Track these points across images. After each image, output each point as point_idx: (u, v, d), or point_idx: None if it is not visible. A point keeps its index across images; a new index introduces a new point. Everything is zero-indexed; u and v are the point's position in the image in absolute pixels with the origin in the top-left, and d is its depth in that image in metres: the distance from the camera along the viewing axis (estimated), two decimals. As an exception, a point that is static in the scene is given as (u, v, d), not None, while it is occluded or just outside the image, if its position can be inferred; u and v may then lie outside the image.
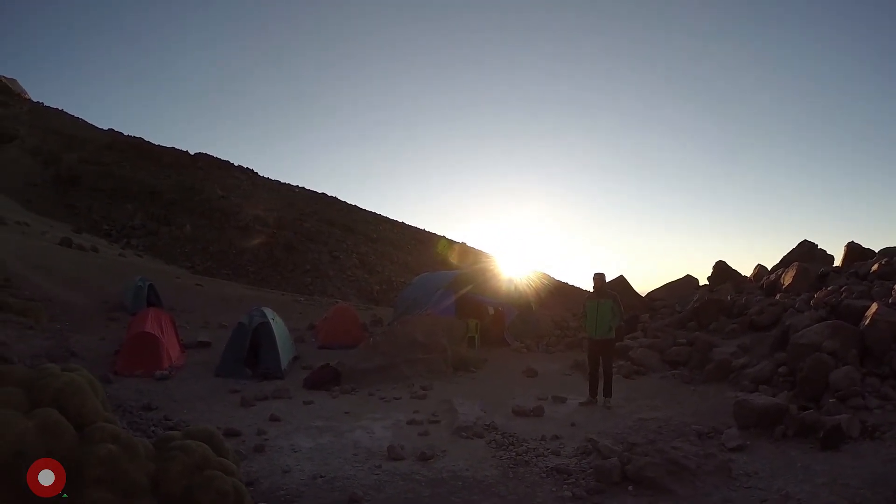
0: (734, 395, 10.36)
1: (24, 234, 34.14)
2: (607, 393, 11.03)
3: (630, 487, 6.89)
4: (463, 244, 60.50)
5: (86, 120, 71.82)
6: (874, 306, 10.72)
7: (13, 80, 79.80)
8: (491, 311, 19.18)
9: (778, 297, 14.64)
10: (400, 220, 63.68)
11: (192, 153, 62.58)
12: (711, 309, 15.57)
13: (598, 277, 11.56)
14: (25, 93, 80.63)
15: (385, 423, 9.75)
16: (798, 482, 6.74)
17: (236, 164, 63.53)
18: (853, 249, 16.32)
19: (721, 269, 19.75)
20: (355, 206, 63.90)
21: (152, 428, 8.72)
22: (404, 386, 12.49)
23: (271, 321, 14.24)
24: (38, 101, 77.62)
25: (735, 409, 9.01)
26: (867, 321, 10.48)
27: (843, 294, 12.30)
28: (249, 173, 63.42)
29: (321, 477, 7.16)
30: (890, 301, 11.04)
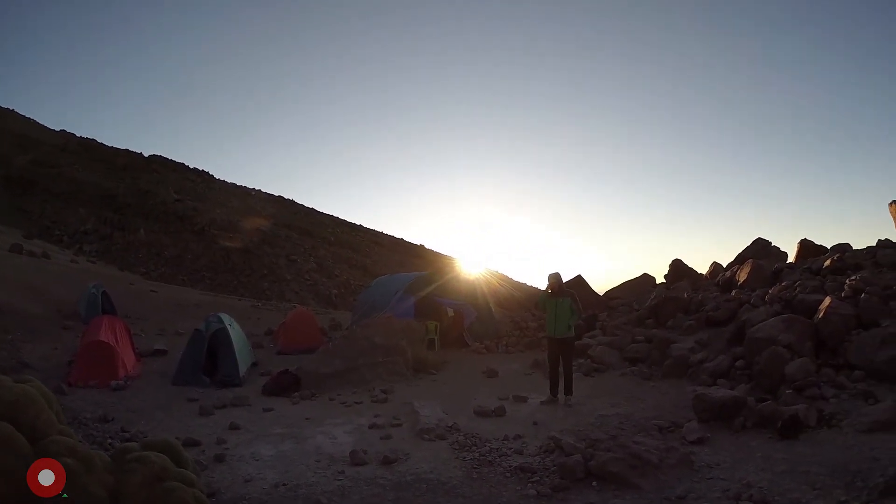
0: (693, 389, 10.52)
1: (-29, 240, 33.11)
2: (568, 391, 11.11)
3: (594, 483, 6.96)
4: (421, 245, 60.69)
5: (37, 121, 69.69)
6: (827, 300, 11.05)
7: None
8: (450, 312, 19.16)
9: (734, 293, 14.92)
10: (358, 223, 63.59)
11: (146, 155, 61.41)
12: (669, 306, 15.82)
13: (554, 277, 11.41)
14: (-26, 92, 77.95)
15: (347, 427, 9.67)
16: (759, 471, 6.87)
17: (191, 167, 62.52)
18: (806, 246, 16.75)
19: (677, 267, 20.12)
20: (312, 209, 63.58)
21: (109, 440, 8.49)
22: (365, 390, 12.42)
23: (228, 327, 14.01)
24: (-12, 101, 75.10)
25: (694, 402, 9.16)
26: (821, 314, 10.80)
27: (797, 289, 12.60)
28: (205, 175, 62.44)
29: (284, 485, 7.05)
30: (842, 295, 11.37)
